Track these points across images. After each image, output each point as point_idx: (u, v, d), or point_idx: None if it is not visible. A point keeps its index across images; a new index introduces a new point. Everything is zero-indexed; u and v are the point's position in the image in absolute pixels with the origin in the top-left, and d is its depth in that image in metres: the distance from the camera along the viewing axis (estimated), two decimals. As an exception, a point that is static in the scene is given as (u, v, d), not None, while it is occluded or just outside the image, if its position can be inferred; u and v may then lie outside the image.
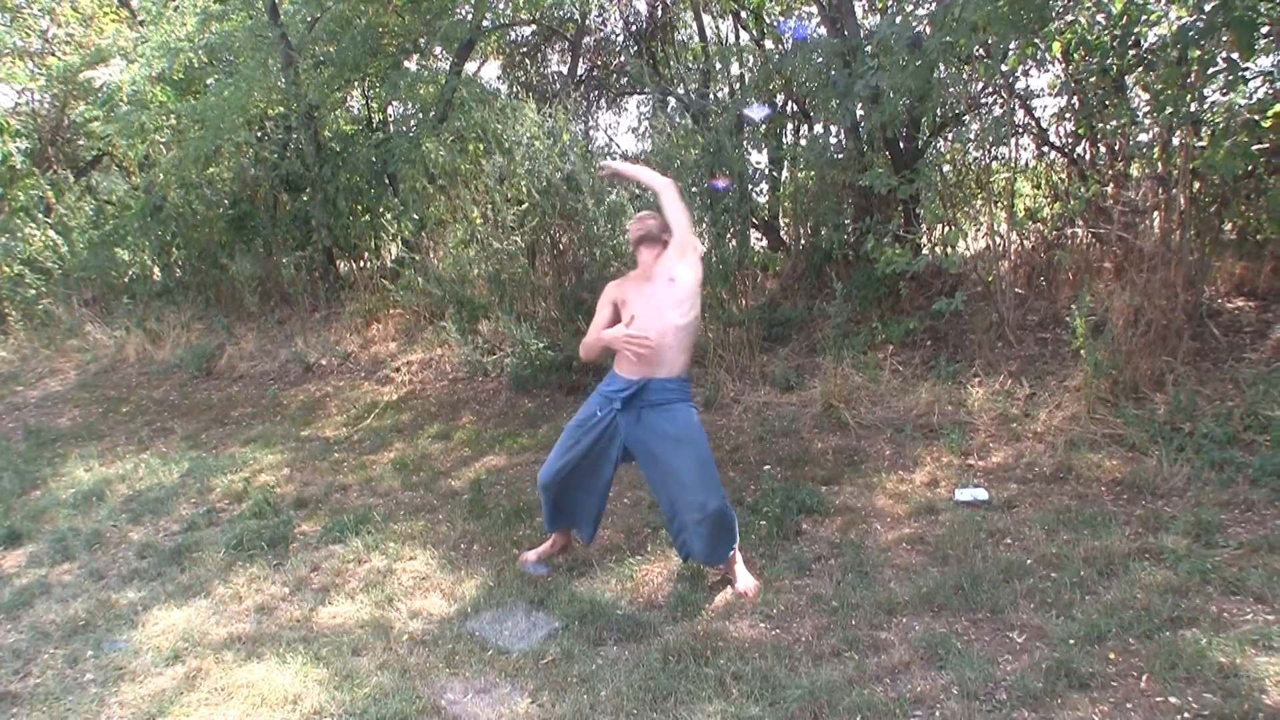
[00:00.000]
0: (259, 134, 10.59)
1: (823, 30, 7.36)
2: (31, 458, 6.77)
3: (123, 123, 9.80)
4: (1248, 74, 5.32)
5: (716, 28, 11.68)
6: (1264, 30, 5.01)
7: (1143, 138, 6.05)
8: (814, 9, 8.71)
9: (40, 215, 12.43)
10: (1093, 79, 6.30)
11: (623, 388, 3.82)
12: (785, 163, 8.25)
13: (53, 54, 13.74)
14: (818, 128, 8.10)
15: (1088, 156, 6.77)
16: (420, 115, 10.25)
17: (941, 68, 6.22)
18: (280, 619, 3.92)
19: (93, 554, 4.82)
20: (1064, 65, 6.67)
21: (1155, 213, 5.81)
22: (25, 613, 4.20)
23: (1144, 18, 5.78)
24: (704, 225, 7.00)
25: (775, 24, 8.61)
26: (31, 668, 3.68)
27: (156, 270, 11.78)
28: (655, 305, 3.81)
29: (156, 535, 5.02)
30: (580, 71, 13.18)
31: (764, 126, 7.93)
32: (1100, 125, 6.28)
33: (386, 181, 10.11)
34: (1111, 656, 3.05)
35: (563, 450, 3.96)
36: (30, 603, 4.29)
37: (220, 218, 10.69)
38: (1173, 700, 2.80)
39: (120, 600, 4.21)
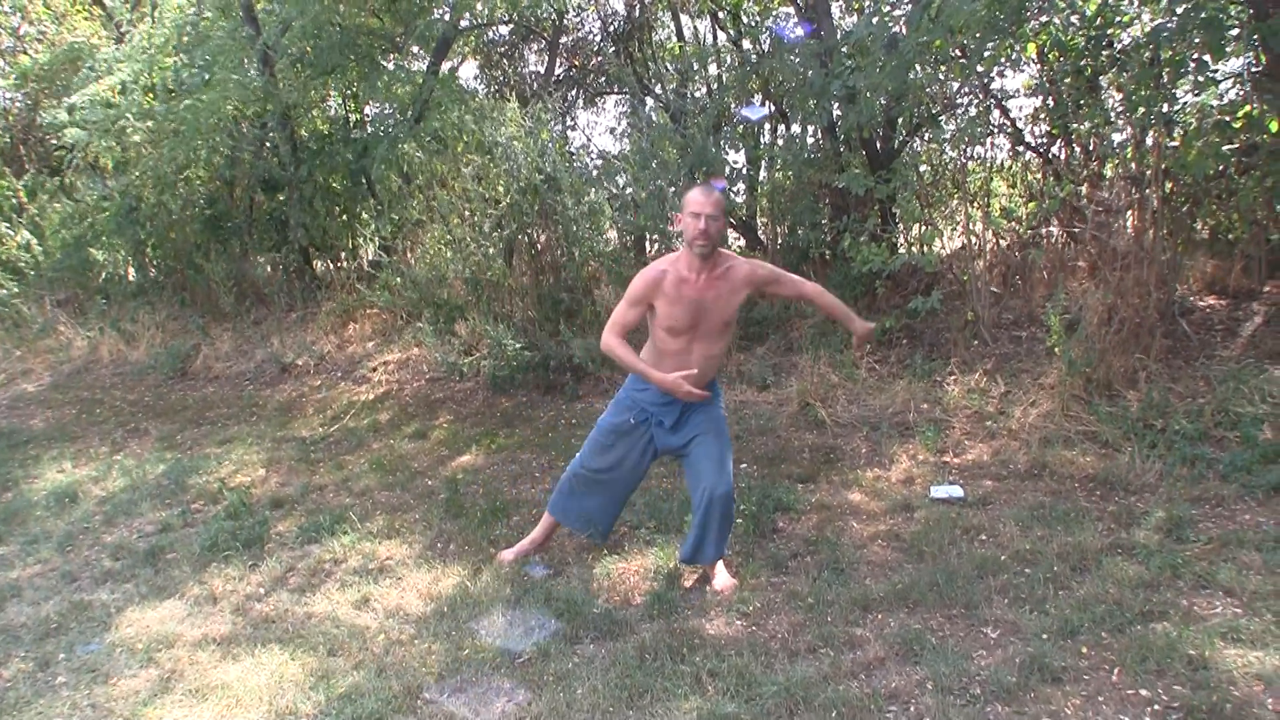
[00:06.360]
0: (234, 135, 10.51)
1: (800, 31, 7.38)
2: (3, 459, 6.69)
3: (97, 125, 9.69)
4: (1217, 75, 5.38)
5: (694, 28, 11.69)
6: (1234, 32, 5.07)
7: (1116, 138, 6.11)
8: (791, 9, 8.75)
9: (13, 215, 12.29)
10: (1067, 80, 6.36)
11: (664, 401, 3.82)
12: (763, 162, 8.28)
13: (24, 52, 13.61)
14: (795, 128, 8.13)
15: (1062, 156, 6.83)
16: (397, 115, 10.20)
17: (918, 68, 6.25)
18: (255, 619, 3.89)
19: (65, 556, 4.77)
20: (1039, 66, 6.73)
21: (1129, 212, 5.87)
22: (-4, 615, 4.16)
23: (1117, 19, 5.85)
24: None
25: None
26: (2, 671, 3.64)
27: (131, 270, 11.68)
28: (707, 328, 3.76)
29: (130, 537, 4.97)
30: (558, 71, 13.17)
31: (741, 127, 7.95)
32: (1075, 125, 6.33)
33: (364, 182, 10.07)
34: (1084, 650, 3.07)
35: (599, 450, 3.99)
36: (1, 606, 4.24)
37: (196, 218, 10.60)
38: (1144, 693, 2.82)
39: (93, 602, 4.17)
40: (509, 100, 7.89)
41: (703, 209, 3.56)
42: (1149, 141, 5.67)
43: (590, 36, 13.29)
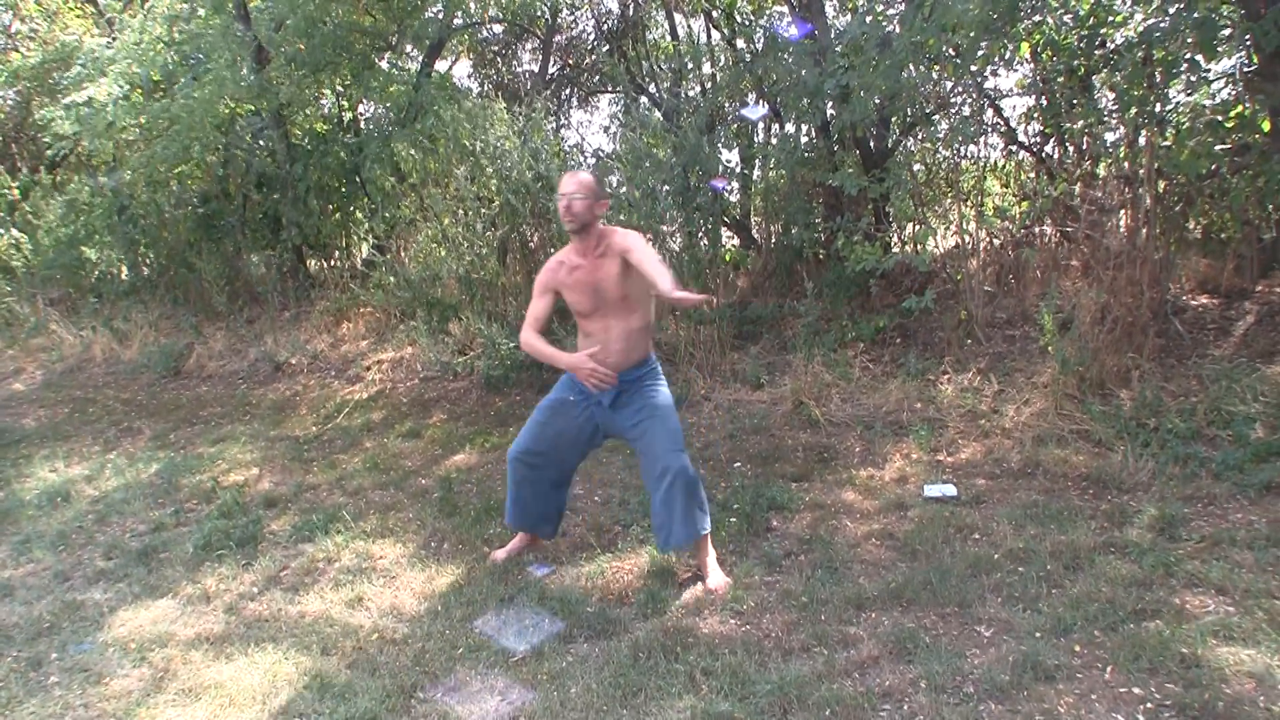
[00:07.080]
0: (227, 133, 10.48)
1: (795, 31, 7.39)
2: (-5, 459, 6.68)
3: (89, 122, 9.65)
4: (1210, 75, 5.40)
5: (688, 27, 11.70)
6: (1226, 32, 5.08)
7: (1109, 137, 6.13)
8: (784, 8, 8.74)
9: (3, 213, 12.25)
10: (1060, 79, 6.37)
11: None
12: (756, 161, 8.28)
13: (15, 50, 13.55)
14: (789, 127, 8.13)
15: (1055, 156, 6.84)
16: (391, 114, 10.19)
17: (911, 67, 6.26)
18: (249, 619, 3.89)
19: (58, 555, 4.76)
20: (1032, 65, 6.74)
21: (1122, 211, 5.88)
22: (-12, 615, 4.14)
23: (1110, 19, 5.86)
24: (678, 224, 7.02)
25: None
26: (-6, 670, 3.63)
27: (124, 269, 11.65)
28: (608, 309, 3.79)
29: (123, 536, 4.96)
30: (551, 70, 13.17)
31: (735, 125, 7.94)
32: (1068, 125, 6.35)
33: (358, 180, 10.05)
34: (1077, 649, 3.08)
35: (536, 430, 3.99)
36: (-7, 605, 4.23)
37: (189, 216, 10.57)
38: (1136, 691, 2.83)
39: (86, 601, 4.16)
40: (497, 101, 7.89)
41: (565, 189, 3.73)
42: (1142, 141, 5.68)
43: (584, 35, 13.32)
